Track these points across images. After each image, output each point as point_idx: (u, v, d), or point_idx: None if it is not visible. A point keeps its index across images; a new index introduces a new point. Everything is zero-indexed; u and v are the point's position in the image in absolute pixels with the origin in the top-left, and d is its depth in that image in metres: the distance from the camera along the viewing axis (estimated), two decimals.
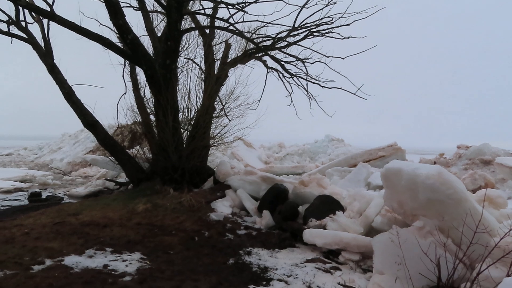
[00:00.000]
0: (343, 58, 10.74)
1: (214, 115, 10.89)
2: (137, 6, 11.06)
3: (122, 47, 9.09)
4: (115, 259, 5.14)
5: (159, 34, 11.09)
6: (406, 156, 15.22)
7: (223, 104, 10.65)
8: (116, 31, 8.76)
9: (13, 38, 11.44)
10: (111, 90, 12.77)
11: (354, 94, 10.71)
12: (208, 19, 11.77)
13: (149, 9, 11.43)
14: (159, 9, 11.92)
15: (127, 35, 8.10)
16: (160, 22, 11.92)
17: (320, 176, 8.56)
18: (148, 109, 11.52)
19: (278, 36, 11.59)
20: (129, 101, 19.32)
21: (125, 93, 12.56)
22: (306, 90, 12.81)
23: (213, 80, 10.56)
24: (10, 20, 11.54)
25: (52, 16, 8.09)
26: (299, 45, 11.23)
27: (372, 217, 6.53)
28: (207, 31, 12.13)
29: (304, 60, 12.15)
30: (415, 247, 4.53)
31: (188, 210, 7.74)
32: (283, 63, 12.04)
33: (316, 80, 11.87)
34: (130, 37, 8.12)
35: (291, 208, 7.38)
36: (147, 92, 11.42)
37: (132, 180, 10.28)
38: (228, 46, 12.71)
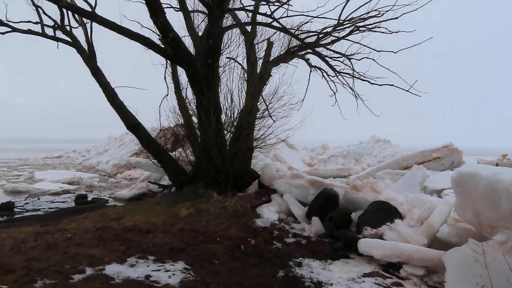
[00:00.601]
0: (395, 52, 9.99)
1: (257, 116, 10.50)
2: (178, 7, 10.90)
3: (163, 46, 8.89)
4: (157, 268, 4.81)
5: (200, 34, 10.88)
6: (463, 158, 14.04)
7: (267, 104, 10.21)
8: (157, 30, 8.56)
9: (59, 43, 11.69)
10: (153, 92, 12.82)
11: (407, 91, 9.92)
12: (250, 16, 11.41)
13: (189, 9, 11.24)
14: (200, 8, 11.74)
15: (168, 34, 7.87)
16: (201, 22, 11.73)
17: (374, 180, 7.89)
18: (190, 111, 11.34)
19: (323, 31, 11.03)
20: (171, 102, 19.37)
21: (167, 95, 12.49)
22: (352, 89, 12.17)
23: (256, 80, 10.16)
24: (56, 25, 11.80)
25: (93, 16, 8.04)
26: (347, 39, 10.58)
27: (437, 226, 5.80)
28: (248, 29, 11.77)
29: (351, 57, 11.50)
30: (501, 265, 3.84)
31: (232, 216, 7.35)
32: (328, 59, 11.43)
33: (364, 77, 11.17)
34: (171, 35, 7.88)
35: (343, 215, 6.78)
36: (189, 93, 11.25)
37: (175, 183, 10.07)
38: (270, 44, 12.29)
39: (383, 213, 6.45)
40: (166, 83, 12.59)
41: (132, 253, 5.27)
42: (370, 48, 10.20)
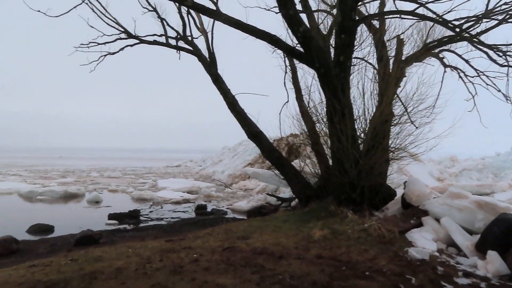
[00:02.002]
0: None
1: (392, 122, 8.95)
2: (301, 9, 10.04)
3: (290, 45, 8.02)
4: None
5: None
6: None
7: (406, 108, 8.60)
8: (285, 24, 7.71)
9: (180, 53, 11.83)
10: (274, 99, 12.11)
11: None
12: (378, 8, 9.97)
13: (313, 9, 10.30)
14: (322, 7, 10.76)
15: (298, 28, 6.95)
16: (324, 18, 10.70)
17: None
18: (314, 117, 10.30)
19: (470, 20, 9.05)
20: (293, 109, 18.27)
21: (287, 102, 11.69)
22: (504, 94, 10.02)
23: (392, 81, 8.65)
24: (178, 36, 11.97)
25: (218, 15, 7.57)
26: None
27: None
28: (376, 24, 10.34)
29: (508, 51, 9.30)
30: None
31: (377, 242, 5.98)
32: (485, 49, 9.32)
33: None
34: (301, 29, 6.94)
35: None
36: (314, 98, 10.24)
37: (299, 197, 9.06)
38: (400, 42, 10.65)
39: None
40: (286, 89, 11.82)
41: (267, 285, 4.31)
42: None
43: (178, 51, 12.47)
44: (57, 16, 8.84)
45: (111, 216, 11.05)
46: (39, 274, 4.34)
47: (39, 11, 8.53)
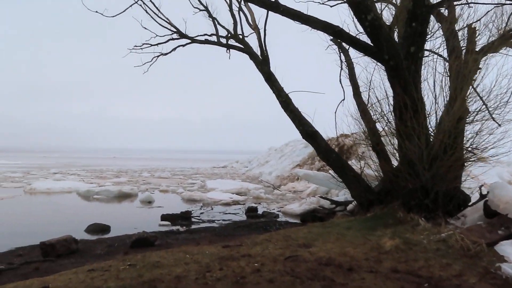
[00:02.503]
0: None
1: (467, 119, 8.06)
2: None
3: (355, 36, 7.43)
4: None
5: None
6: None
7: (485, 103, 7.68)
8: (352, 12, 7.11)
9: (230, 52, 11.64)
10: (327, 97, 11.52)
11: None
12: None
13: None
14: None
15: (365, 16, 6.35)
16: (383, 8, 9.97)
17: None
18: (373, 116, 9.60)
19: None
20: (352, 107, 17.26)
21: (343, 100, 11.08)
22: None
23: (467, 74, 7.77)
24: (229, 35, 11.76)
25: (277, 6, 7.15)
26: None
27: None
28: (445, 12, 9.44)
29: None
30: None
31: (461, 255, 5.25)
32: None
33: None
34: (369, 17, 6.34)
35: None
36: (374, 95, 9.52)
37: (359, 201, 8.42)
38: (473, 31, 9.64)
39: None
40: (342, 86, 11.21)
41: None
42: None
43: (228, 50, 12.28)
44: (113, 16, 8.87)
45: (164, 217, 10.99)
46: (98, 280, 4.13)
47: (96, 11, 8.58)
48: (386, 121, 8.56)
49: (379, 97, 8.86)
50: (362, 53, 8.11)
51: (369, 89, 9.69)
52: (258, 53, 10.94)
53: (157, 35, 11.63)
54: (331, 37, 11.91)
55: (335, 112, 10.82)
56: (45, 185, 18.95)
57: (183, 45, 11.72)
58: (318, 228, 6.92)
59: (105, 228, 9.64)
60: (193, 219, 11.36)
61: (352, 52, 10.85)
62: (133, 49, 11.87)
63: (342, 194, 13.44)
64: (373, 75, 9.57)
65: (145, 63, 11.80)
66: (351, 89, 10.54)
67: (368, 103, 9.74)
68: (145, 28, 11.50)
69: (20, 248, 7.44)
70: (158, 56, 11.82)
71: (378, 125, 9.53)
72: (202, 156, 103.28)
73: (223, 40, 11.79)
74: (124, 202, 15.87)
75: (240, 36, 11.69)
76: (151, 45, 11.86)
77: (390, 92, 8.91)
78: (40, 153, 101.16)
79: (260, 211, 12.81)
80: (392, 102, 8.13)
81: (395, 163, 8.61)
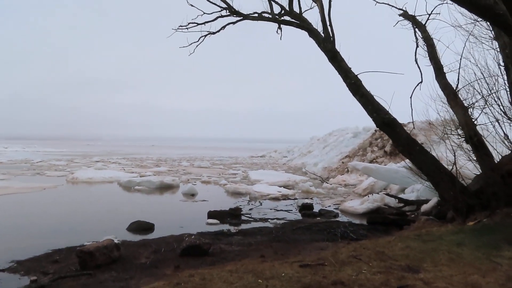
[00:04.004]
0: None
1: None
2: None
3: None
4: None
5: None
6: None
7: None
8: None
9: (282, 33, 10.28)
10: (409, 78, 9.85)
11: None
12: None
13: None
14: None
15: None
16: None
17: None
18: (464, 102, 7.96)
19: None
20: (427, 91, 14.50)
21: (420, 82, 9.41)
22: None
23: None
24: (283, 11, 10.35)
25: None
26: None
27: None
28: None
29: None
30: None
31: None
32: None
33: None
34: None
35: None
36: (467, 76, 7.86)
37: (455, 206, 6.84)
38: None
39: None
40: (419, 66, 9.53)
41: None
42: None
43: (279, 29, 10.91)
44: None
45: (211, 214, 9.90)
46: None
47: None
48: (487, 105, 6.91)
49: (471, 77, 7.23)
50: (477, 16, 6.44)
51: (459, 69, 8.02)
52: (320, 30, 9.48)
53: (204, 13, 10.44)
54: (401, 12, 10.30)
55: (411, 97, 9.20)
56: (86, 174, 18.53)
57: (234, 23, 10.44)
58: (416, 242, 5.46)
59: (148, 227, 8.65)
60: (242, 217, 10.21)
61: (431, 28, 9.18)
62: (178, 28, 10.71)
63: (410, 191, 11.80)
64: (464, 52, 7.91)
65: (191, 44, 10.63)
66: (433, 70, 8.87)
67: (458, 84, 8.09)
68: (192, 6, 10.33)
69: (57, 251, 6.55)
70: (206, 36, 10.61)
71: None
72: (239, 145, 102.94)
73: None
74: (166, 194, 15.03)
75: (297, 12, 10.27)
76: (198, 24, 10.68)
77: (491, 71, 7.26)
78: (85, 141, 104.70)
79: (315, 208, 11.47)
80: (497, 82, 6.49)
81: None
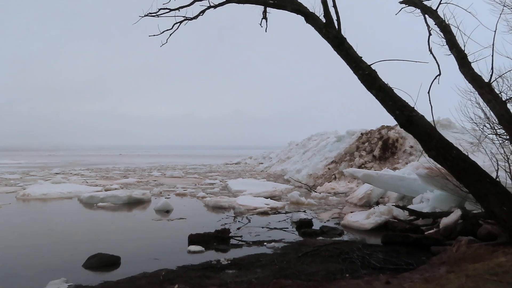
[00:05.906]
0: None
1: None
2: None
3: None
4: None
5: None
6: None
7: None
8: None
9: (267, 22, 8.61)
10: (411, 71, 8.41)
11: None
12: None
13: None
14: None
15: None
16: None
17: None
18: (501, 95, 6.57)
19: None
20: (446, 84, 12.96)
21: (439, 75, 7.99)
22: None
23: None
24: None
25: None
26: None
27: None
28: None
29: None
30: None
31: None
32: None
33: None
34: None
35: None
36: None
37: (504, 225, 5.32)
38: None
39: None
40: (434, 57, 8.12)
41: None
42: None
43: (264, 17, 9.27)
44: None
45: (194, 239, 8.04)
46: None
47: None
48: None
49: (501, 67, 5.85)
50: None
51: (493, 57, 6.63)
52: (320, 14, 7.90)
53: None
54: None
55: (428, 92, 7.75)
56: (41, 189, 16.06)
57: (215, 6, 8.67)
58: (481, 282, 3.89)
59: (113, 261, 6.68)
60: (232, 240, 8.41)
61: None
62: (148, 15, 8.85)
63: (419, 200, 10.37)
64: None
65: (163, 32, 8.76)
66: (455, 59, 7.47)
67: (492, 75, 6.70)
68: None
69: None
70: (181, 22, 8.78)
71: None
72: (211, 152, 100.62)
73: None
74: (135, 211, 12.96)
75: None
76: (171, 9, 8.85)
77: None
78: (46, 151, 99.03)
79: (314, 225, 9.82)
80: None
81: None
